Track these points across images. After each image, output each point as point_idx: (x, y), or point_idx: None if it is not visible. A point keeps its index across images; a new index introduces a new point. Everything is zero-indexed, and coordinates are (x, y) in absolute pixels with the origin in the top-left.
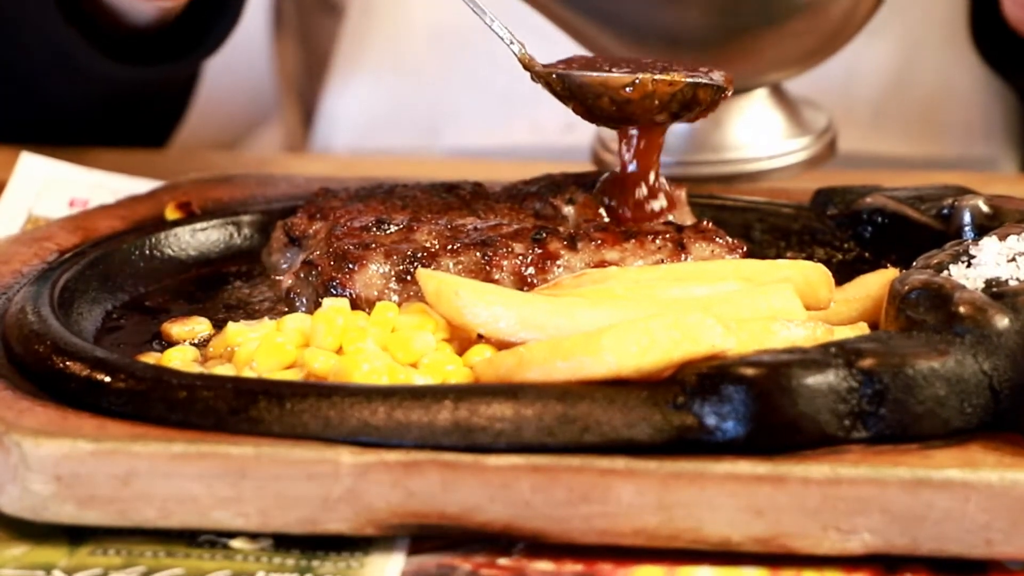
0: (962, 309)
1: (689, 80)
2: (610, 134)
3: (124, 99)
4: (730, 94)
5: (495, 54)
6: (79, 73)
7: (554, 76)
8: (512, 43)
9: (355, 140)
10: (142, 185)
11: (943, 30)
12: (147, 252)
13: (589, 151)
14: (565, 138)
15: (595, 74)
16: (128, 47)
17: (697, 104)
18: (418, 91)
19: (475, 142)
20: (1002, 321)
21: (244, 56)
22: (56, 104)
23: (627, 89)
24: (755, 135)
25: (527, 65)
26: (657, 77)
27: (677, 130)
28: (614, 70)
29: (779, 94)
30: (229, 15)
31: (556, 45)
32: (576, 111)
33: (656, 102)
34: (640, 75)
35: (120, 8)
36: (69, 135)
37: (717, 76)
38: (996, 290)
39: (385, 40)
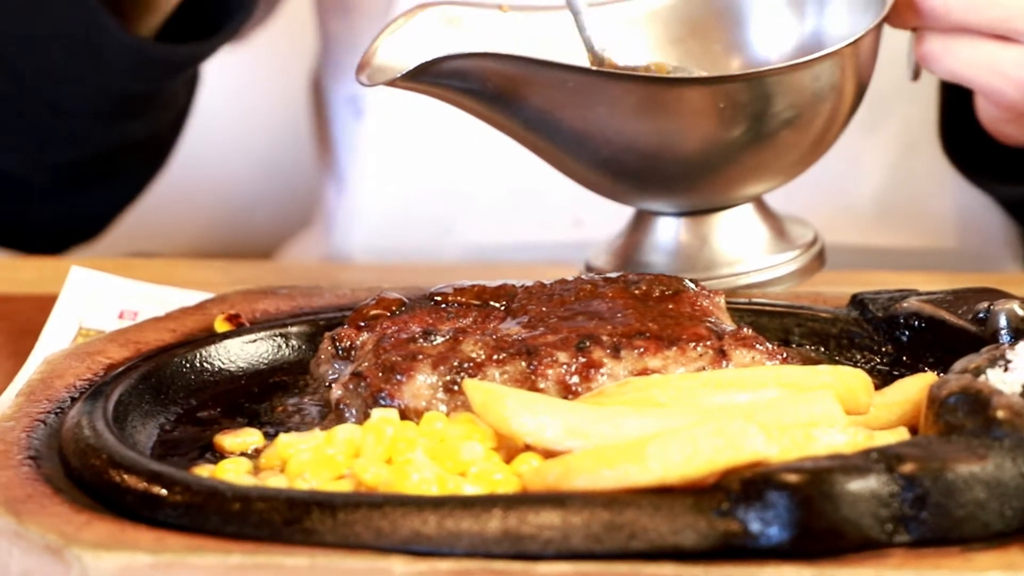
0: (1000, 414)
1: None
2: (598, 262)
3: (132, 104)
4: None
5: (505, 153)
6: (102, 61)
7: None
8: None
9: (371, 238)
10: (190, 297)
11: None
12: (198, 365)
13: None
14: (573, 233)
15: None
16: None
17: None
18: (431, 188)
19: (487, 239)
20: None
21: (288, 161)
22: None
23: None
24: (742, 250)
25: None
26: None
27: (664, 248)
28: None
29: (764, 209)
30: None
31: None
32: None
33: None
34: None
35: None
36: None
37: None
38: None
39: (400, 140)
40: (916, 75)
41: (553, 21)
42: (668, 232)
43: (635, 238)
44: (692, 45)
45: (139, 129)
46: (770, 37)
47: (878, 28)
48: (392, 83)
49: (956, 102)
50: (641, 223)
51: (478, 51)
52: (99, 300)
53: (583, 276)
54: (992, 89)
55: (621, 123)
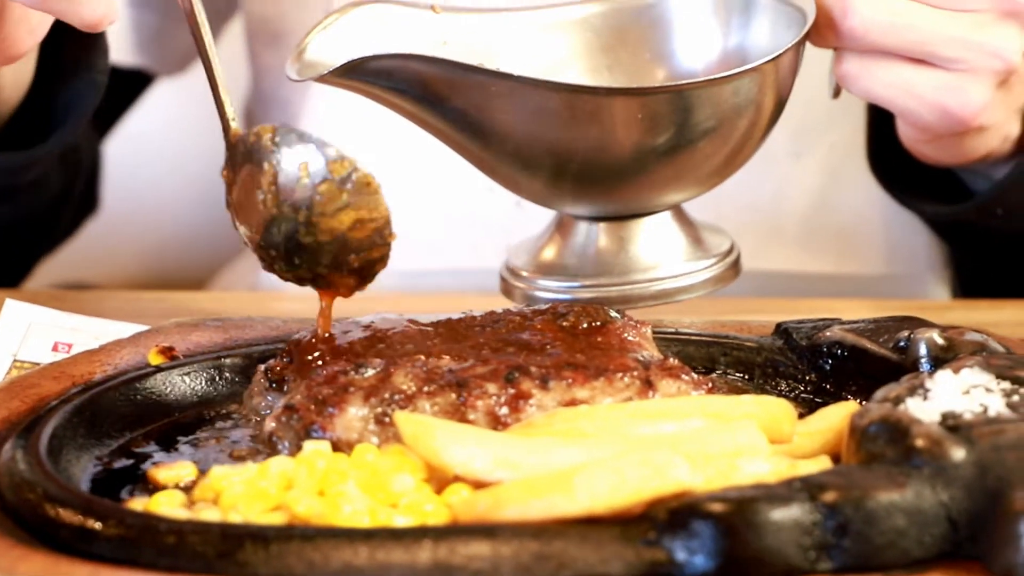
0: (919, 442)
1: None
2: (517, 262)
3: None
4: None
5: (436, 180)
6: None
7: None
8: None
9: None
10: (124, 329)
11: (865, 152)
12: (132, 397)
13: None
14: (503, 260)
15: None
16: None
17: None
18: None
19: (419, 266)
20: (958, 453)
21: (221, 191)
22: None
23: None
24: (660, 256)
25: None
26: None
27: (582, 251)
28: None
29: (682, 217)
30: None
31: None
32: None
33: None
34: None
35: None
36: None
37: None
38: (952, 423)
39: None
40: (836, 94)
41: (484, 24)
42: (587, 236)
43: (554, 241)
44: (621, 53)
45: (12, 211)
46: (697, 49)
47: (798, 46)
48: (321, 79)
49: (884, 123)
50: (561, 226)
51: (405, 52)
52: (33, 333)
53: (512, 308)
54: (908, 110)
55: (543, 128)
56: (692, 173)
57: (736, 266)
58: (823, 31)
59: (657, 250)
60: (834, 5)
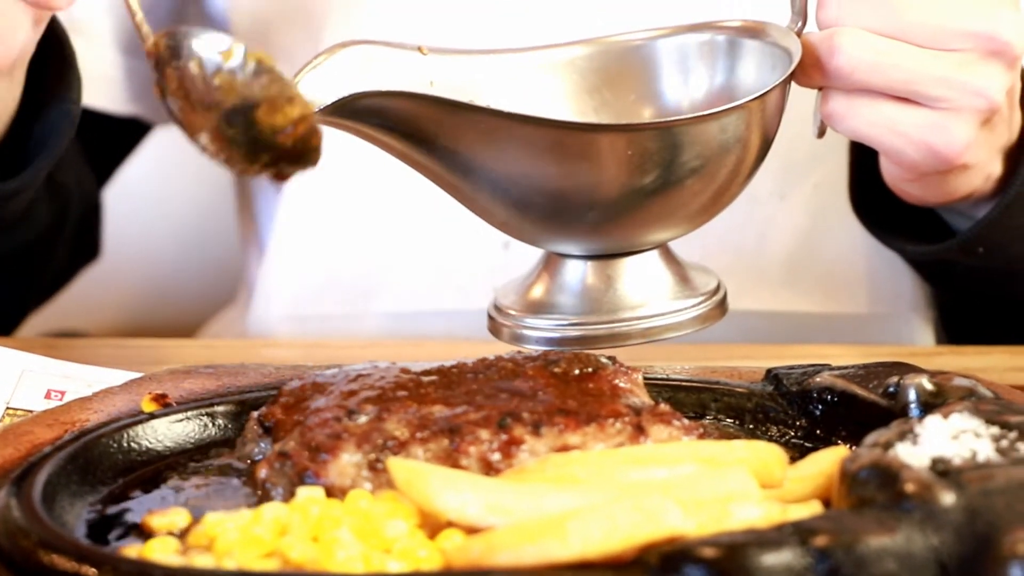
0: (909, 487)
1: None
2: (505, 300)
3: None
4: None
5: (424, 222)
6: None
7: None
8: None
9: (292, 308)
10: (117, 376)
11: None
12: (125, 445)
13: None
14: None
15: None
16: None
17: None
18: (350, 258)
19: (406, 307)
20: (948, 497)
21: (213, 237)
22: None
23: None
24: (647, 295)
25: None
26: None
27: (570, 290)
28: None
29: (669, 256)
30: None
31: None
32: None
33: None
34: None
35: None
36: None
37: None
38: (941, 468)
39: (319, 208)
40: (821, 133)
41: (471, 65)
42: (575, 274)
43: (542, 279)
44: (608, 95)
45: (2, 243)
46: (683, 91)
47: (784, 85)
48: None
49: (866, 163)
50: (549, 264)
51: (394, 89)
52: (26, 380)
53: (503, 355)
54: (893, 149)
55: (531, 166)
56: (680, 211)
57: (723, 305)
58: (809, 71)
59: (644, 288)
60: (820, 45)
